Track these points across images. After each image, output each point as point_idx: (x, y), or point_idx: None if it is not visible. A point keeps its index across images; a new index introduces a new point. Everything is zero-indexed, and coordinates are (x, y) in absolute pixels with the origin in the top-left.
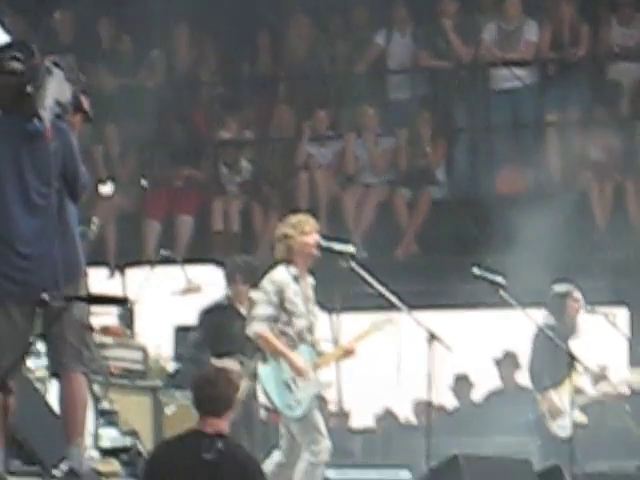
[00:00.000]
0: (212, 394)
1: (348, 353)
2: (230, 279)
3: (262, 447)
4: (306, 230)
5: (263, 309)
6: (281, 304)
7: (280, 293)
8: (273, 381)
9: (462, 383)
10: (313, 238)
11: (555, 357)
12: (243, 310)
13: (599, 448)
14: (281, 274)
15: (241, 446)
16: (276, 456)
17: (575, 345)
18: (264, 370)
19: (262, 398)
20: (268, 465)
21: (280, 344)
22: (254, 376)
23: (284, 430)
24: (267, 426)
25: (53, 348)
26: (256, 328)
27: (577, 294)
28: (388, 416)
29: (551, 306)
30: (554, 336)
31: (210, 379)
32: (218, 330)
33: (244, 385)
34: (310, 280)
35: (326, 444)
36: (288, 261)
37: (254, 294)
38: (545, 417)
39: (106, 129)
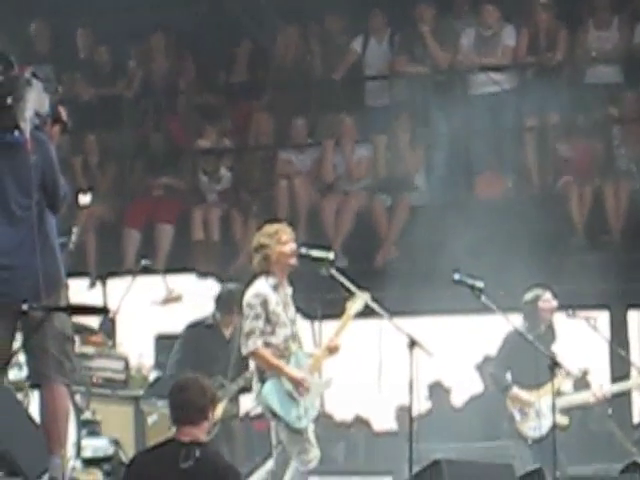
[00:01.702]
0: (184, 401)
1: (333, 350)
2: (225, 309)
3: (243, 462)
4: (283, 239)
5: (255, 323)
6: (266, 316)
7: (265, 305)
8: (277, 397)
9: (437, 390)
10: (290, 247)
11: (522, 360)
12: (227, 334)
13: (582, 452)
14: (262, 286)
15: (219, 453)
16: (269, 464)
17: (556, 349)
18: (265, 389)
19: (268, 415)
20: (261, 473)
21: (275, 359)
22: (235, 398)
23: (276, 439)
24: (249, 442)
25: (34, 359)
26: (252, 346)
27: (547, 295)
28: (359, 423)
29: (525, 313)
30: (529, 341)
31: (182, 387)
32: (200, 348)
33: (223, 406)
34: (289, 290)
35: (315, 453)
36: (266, 272)
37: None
38: (514, 419)
39: (85, 139)
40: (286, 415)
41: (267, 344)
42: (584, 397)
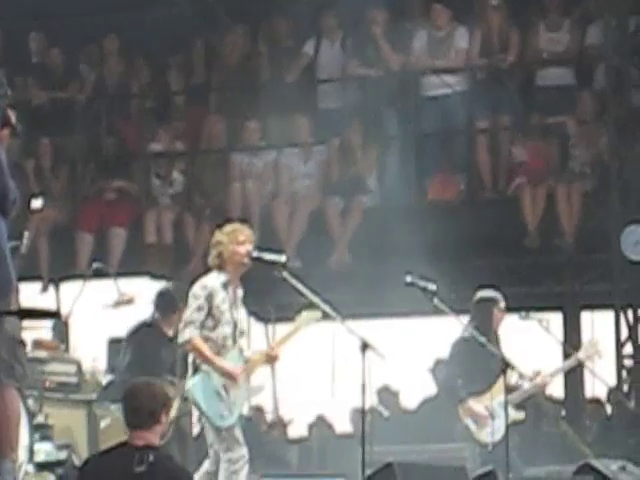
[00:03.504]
0: (134, 407)
1: (271, 359)
2: (165, 311)
3: (195, 464)
4: (240, 239)
5: (195, 314)
6: (209, 310)
7: (210, 298)
8: (202, 391)
9: (385, 394)
10: (245, 248)
11: (474, 365)
12: (170, 332)
13: (535, 453)
14: (212, 280)
15: (172, 458)
16: (206, 465)
17: (508, 351)
18: (193, 381)
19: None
20: (198, 474)
21: (209, 351)
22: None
23: (209, 438)
24: (200, 443)
25: None
26: (187, 335)
27: (503, 304)
28: (321, 424)
29: (475, 313)
30: (481, 343)
31: (133, 392)
32: (144, 349)
33: (176, 404)
34: (240, 291)
35: (242, 452)
36: (220, 268)
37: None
38: (470, 428)
39: (37, 143)
40: (209, 411)
41: (206, 338)
42: (531, 386)
